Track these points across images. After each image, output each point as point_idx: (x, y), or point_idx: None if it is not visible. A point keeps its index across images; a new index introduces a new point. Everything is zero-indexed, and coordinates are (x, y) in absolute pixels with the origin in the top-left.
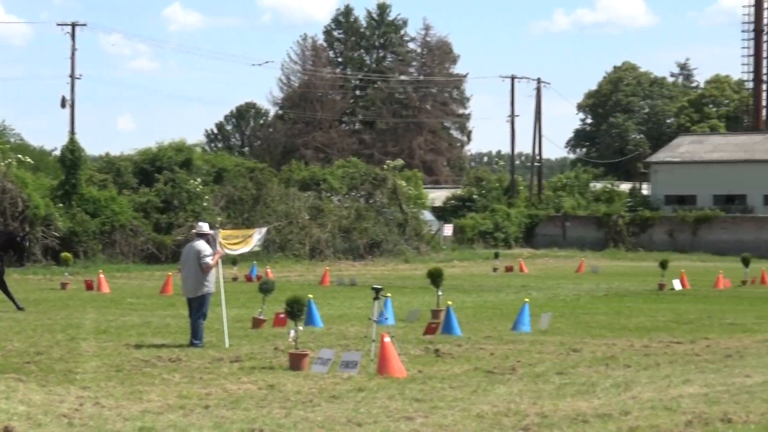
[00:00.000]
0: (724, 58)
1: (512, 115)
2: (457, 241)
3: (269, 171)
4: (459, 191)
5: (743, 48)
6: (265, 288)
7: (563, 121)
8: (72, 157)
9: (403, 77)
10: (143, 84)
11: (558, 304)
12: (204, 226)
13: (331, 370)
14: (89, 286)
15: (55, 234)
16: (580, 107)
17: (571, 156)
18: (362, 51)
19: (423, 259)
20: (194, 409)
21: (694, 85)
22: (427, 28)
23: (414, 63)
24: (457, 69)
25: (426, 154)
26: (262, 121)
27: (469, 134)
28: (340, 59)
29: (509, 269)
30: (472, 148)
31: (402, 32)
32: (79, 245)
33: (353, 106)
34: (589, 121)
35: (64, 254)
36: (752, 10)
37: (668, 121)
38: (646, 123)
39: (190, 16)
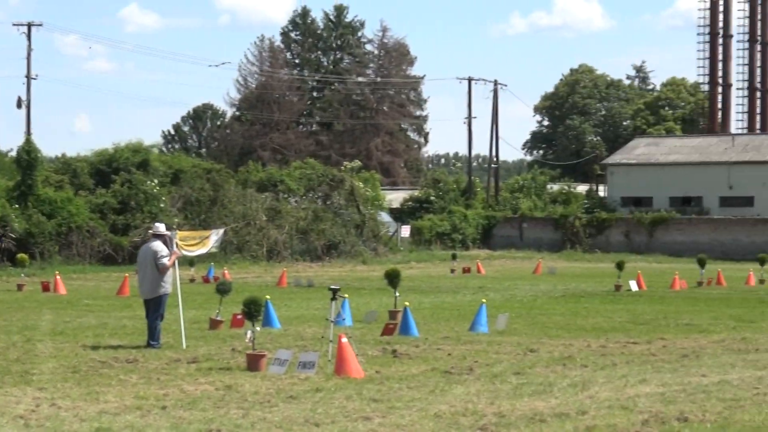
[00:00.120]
0: (679, 61)
1: (469, 117)
2: (415, 243)
3: (226, 172)
4: (416, 193)
5: (699, 51)
6: (222, 289)
7: (520, 123)
8: (28, 158)
9: (360, 79)
10: (100, 85)
11: (515, 305)
12: (161, 227)
13: (289, 370)
14: (46, 288)
15: (11, 235)
16: (537, 109)
17: (528, 158)
18: (319, 52)
19: (380, 260)
20: (151, 410)
21: (650, 87)
22: (384, 29)
23: (371, 65)
24: (414, 71)
25: (383, 155)
26: (219, 123)
27: (426, 136)
28: (297, 61)
29: (467, 270)
30: (430, 149)
31: (359, 34)
32: (35, 246)
33: (310, 108)
34: (545, 123)
35: (20, 255)
36: (708, 13)
37: (624, 123)
38: (602, 125)
39: (147, 17)
